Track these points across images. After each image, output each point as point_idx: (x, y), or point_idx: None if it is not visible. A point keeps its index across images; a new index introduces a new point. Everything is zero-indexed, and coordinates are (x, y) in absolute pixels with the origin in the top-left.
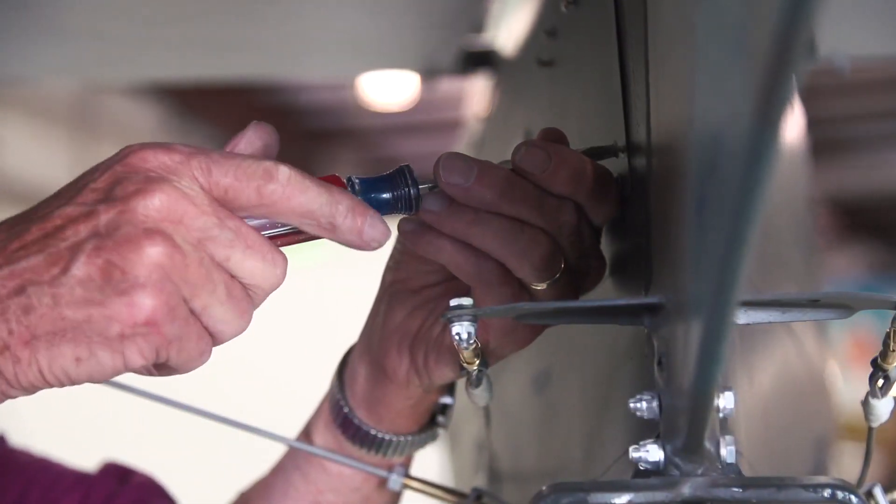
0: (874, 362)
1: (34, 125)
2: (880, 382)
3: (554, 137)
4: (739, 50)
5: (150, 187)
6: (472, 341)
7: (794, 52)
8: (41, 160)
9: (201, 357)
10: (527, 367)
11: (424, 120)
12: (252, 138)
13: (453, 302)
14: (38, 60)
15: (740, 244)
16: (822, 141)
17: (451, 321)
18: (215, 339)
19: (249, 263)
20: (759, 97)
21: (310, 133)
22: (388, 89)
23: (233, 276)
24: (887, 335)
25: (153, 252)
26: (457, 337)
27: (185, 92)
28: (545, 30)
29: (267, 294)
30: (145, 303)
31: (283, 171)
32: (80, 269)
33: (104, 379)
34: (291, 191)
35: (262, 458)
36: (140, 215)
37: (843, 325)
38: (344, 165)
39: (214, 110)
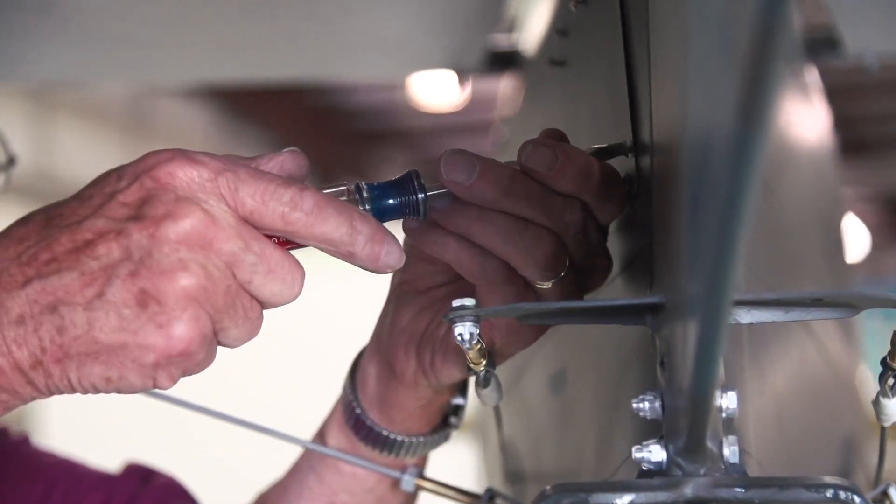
0: (884, 361)
1: (87, 128)
2: (890, 381)
3: (557, 137)
4: (726, 48)
5: (180, 210)
6: (474, 341)
7: (774, 50)
8: (94, 162)
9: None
10: (545, 366)
11: (476, 120)
12: (285, 163)
13: (455, 302)
14: (90, 64)
15: (730, 244)
16: (873, 139)
17: (453, 322)
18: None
19: (270, 286)
20: (743, 96)
21: (360, 134)
22: (439, 90)
23: (252, 297)
24: (895, 334)
25: (187, 283)
26: (459, 337)
27: (236, 94)
28: (557, 29)
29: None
30: (183, 336)
31: (308, 200)
32: (115, 294)
33: (131, 393)
34: (314, 220)
35: (280, 459)
36: (171, 240)
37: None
38: (395, 166)
39: (265, 112)
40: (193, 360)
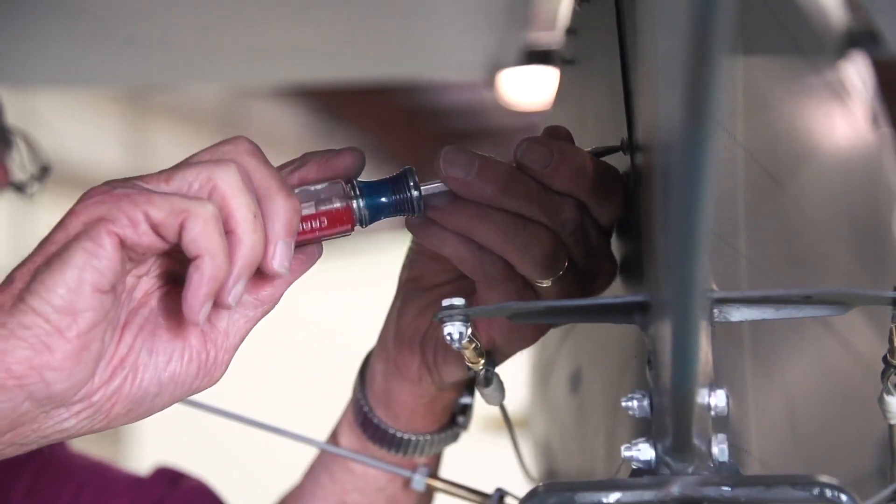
0: (885, 359)
1: (181, 130)
2: (893, 379)
3: (558, 135)
4: (680, 46)
5: None
6: (464, 340)
7: (714, 47)
8: None
9: None
10: (565, 366)
11: None
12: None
13: (445, 302)
14: (183, 67)
15: (694, 242)
16: None
17: (442, 321)
18: None
19: None
20: (687, 92)
21: (452, 133)
22: (528, 87)
23: None
24: (891, 331)
25: None
26: (448, 337)
27: (327, 94)
28: (567, 28)
29: None
30: None
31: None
32: None
33: None
34: None
35: (305, 463)
36: None
37: None
38: None
39: (356, 111)
40: None
